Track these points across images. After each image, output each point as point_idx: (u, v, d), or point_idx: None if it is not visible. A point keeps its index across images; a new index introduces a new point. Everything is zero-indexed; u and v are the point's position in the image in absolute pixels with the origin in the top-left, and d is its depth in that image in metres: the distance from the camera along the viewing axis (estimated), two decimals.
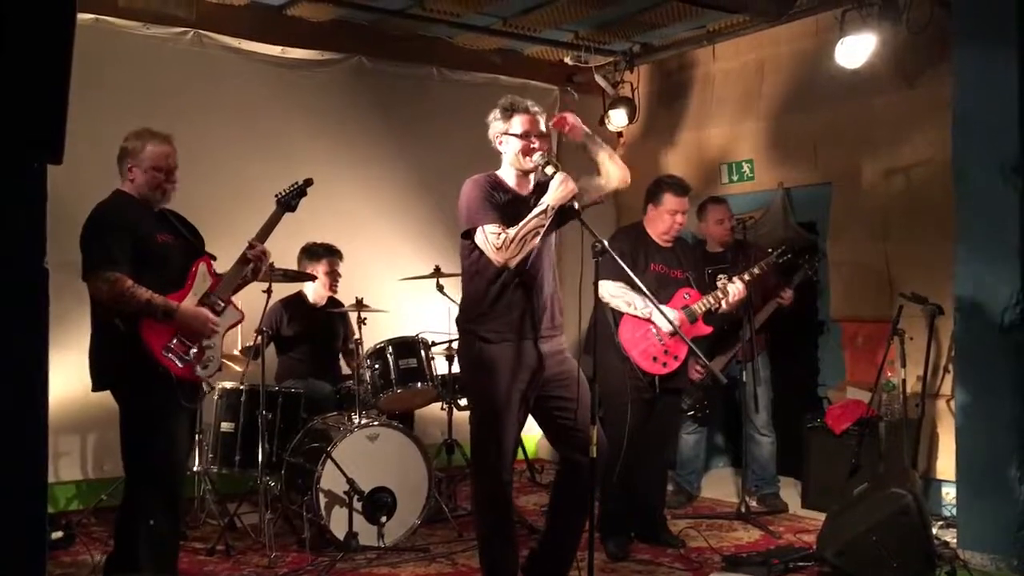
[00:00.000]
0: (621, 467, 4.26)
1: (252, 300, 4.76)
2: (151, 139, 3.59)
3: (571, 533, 3.64)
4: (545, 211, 3.39)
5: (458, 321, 3.62)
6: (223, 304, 3.64)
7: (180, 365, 3.47)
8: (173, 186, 3.62)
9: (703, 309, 4.57)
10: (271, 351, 5.38)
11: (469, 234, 3.46)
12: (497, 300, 3.47)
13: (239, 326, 3.88)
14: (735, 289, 4.54)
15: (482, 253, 3.43)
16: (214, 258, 3.74)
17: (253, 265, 3.73)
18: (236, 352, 5.19)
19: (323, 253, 5.50)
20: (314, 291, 5.55)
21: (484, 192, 3.47)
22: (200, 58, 5.73)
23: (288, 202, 3.83)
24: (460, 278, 3.65)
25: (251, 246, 3.71)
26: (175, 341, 3.47)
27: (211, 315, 3.56)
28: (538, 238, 3.43)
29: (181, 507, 3.64)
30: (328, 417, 4.96)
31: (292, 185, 3.85)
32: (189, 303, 3.53)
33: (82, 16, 5.08)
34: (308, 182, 3.85)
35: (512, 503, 3.65)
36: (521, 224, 3.38)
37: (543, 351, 3.53)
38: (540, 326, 3.54)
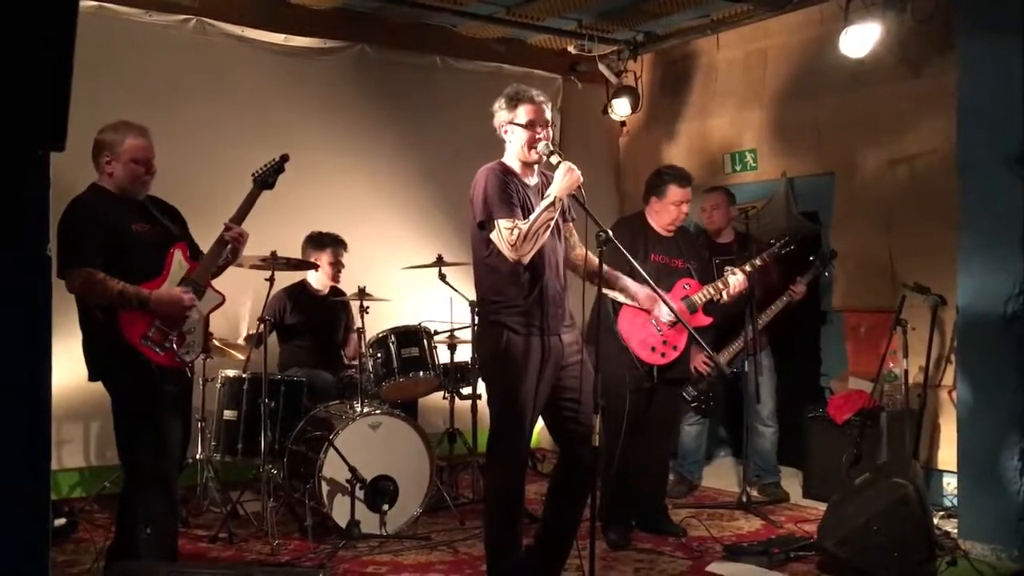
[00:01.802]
0: (620, 457, 4.27)
1: (255, 288, 4.77)
2: (129, 132, 3.57)
3: (568, 523, 3.64)
4: (553, 203, 3.37)
5: (481, 312, 3.60)
6: (202, 288, 3.63)
7: (160, 353, 3.48)
8: (151, 178, 3.61)
9: (703, 299, 4.57)
10: (273, 339, 5.38)
11: (485, 225, 3.45)
12: (521, 290, 3.46)
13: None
14: (736, 280, 4.53)
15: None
16: (192, 244, 3.74)
17: (231, 247, 3.69)
18: (240, 340, 5.19)
19: (328, 243, 5.50)
20: (317, 280, 5.55)
21: (500, 183, 3.45)
22: (203, 46, 5.72)
23: (265, 180, 3.76)
24: (473, 267, 3.62)
25: (228, 228, 3.68)
26: (153, 330, 3.47)
27: (185, 295, 3.54)
28: (549, 232, 3.42)
29: (176, 493, 3.64)
30: (330, 405, 4.97)
31: (269, 162, 3.79)
32: (165, 290, 3.53)
33: (84, 3, 5.08)
34: (284, 158, 3.79)
35: (523, 494, 3.65)
36: (531, 219, 3.36)
37: (565, 341, 3.54)
38: (562, 318, 3.55)
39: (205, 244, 3.83)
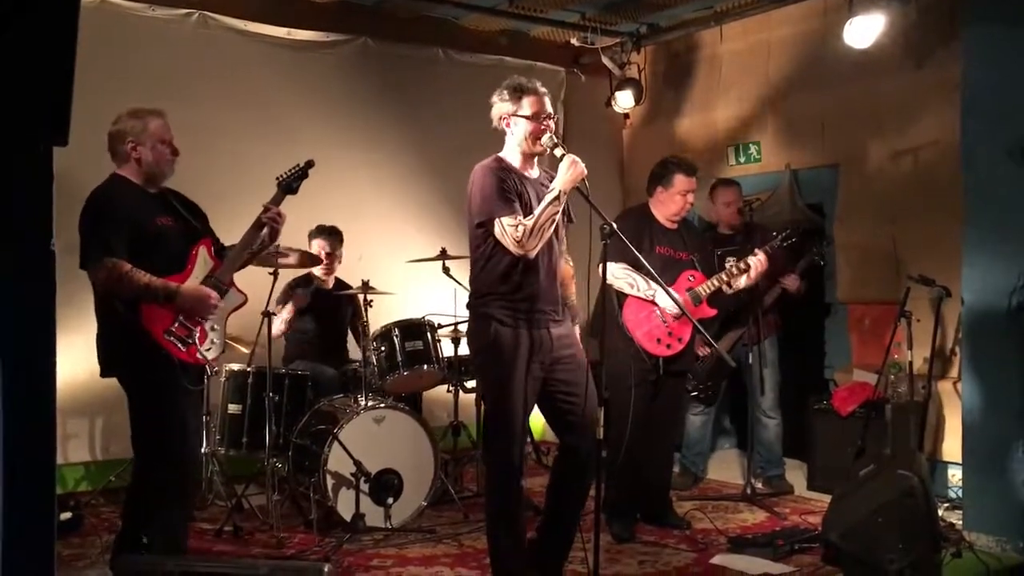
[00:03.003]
0: (626, 449, 4.27)
1: (258, 282, 4.75)
2: (150, 114, 3.56)
3: (569, 515, 3.65)
4: (557, 196, 3.36)
5: (471, 304, 3.60)
6: (225, 287, 3.62)
7: (182, 348, 3.46)
8: (176, 158, 3.60)
9: (708, 291, 4.56)
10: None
11: (484, 225, 3.43)
12: (512, 284, 3.45)
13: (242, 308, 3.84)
14: (756, 261, 4.52)
15: (495, 240, 3.41)
16: (215, 240, 3.72)
17: (269, 229, 3.66)
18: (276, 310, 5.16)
19: (314, 234, 5.51)
20: (320, 272, 5.55)
21: (497, 180, 3.42)
22: (205, 40, 5.71)
23: (289, 184, 3.76)
24: (470, 261, 3.62)
25: (266, 209, 3.65)
26: (176, 324, 3.45)
27: (213, 292, 3.53)
28: (554, 225, 3.41)
29: (192, 488, 3.64)
30: (335, 399, 4.97)
31: (294, 167, 3.78)
32: (193, 285, 3.52)
33: None
34: (309, 164, 3.79)
35: (522, 487, 3.65)
36: (536, 214, 3.35)
37: (554, 335, 3.53)
38: (552, 310, 3.54)
39: None
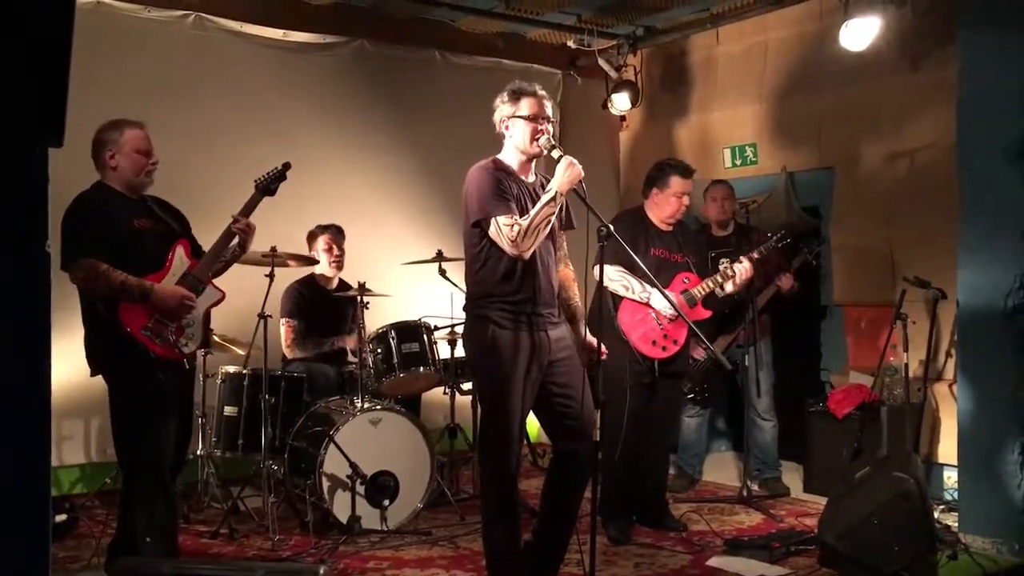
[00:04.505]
0: (622, 451, 4.27)
1: (253, 284, 4.74)
2: (127, 124, 3.65)
3: (565, 518, 3.64)
4: (554, 198, 3.36)
5: (467, 307, 3.60)
6: (202, 284, 3.68)
7: (159, 344, 3.52)
8: (155, 168, 3.68)
9: (702, 293, 4.57)
10: (273, 334, 5.35)
11: (480, 224, 3.44)
12: (510, 286, 3.44)
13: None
14: (741, 268, 4.52)
15: (492, 242, 3.41)
16: (193, 242, 3.78)
17: (239, 239, 3.75)
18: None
19: (318, 232, 5.51)
20: (323, 271, 5.54)
21: (494, 180, 3.42)
22: (202, 41, 5.71)
23: (267, 186, 3.83)
24: (465, 263, 3.62)
25: (235, 220, 3.73)
26: (153, 321, 3.52)
27: (187, 291, 3.60)
28: (550, 226, 3.41)
29: (172, 487, 3.66)
30: (331, 401, 4.97)
31: (271, 170, 3.85)
32: (167, 284, 3.58)
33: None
34: (287, 166, 3.85)
35: (517, 489, 3.65)
36: (532, 214, 3.35)
37: (552, 337, 3.53)
38: (550, 312, 3.54)
39: (203, 238, 3.85)
